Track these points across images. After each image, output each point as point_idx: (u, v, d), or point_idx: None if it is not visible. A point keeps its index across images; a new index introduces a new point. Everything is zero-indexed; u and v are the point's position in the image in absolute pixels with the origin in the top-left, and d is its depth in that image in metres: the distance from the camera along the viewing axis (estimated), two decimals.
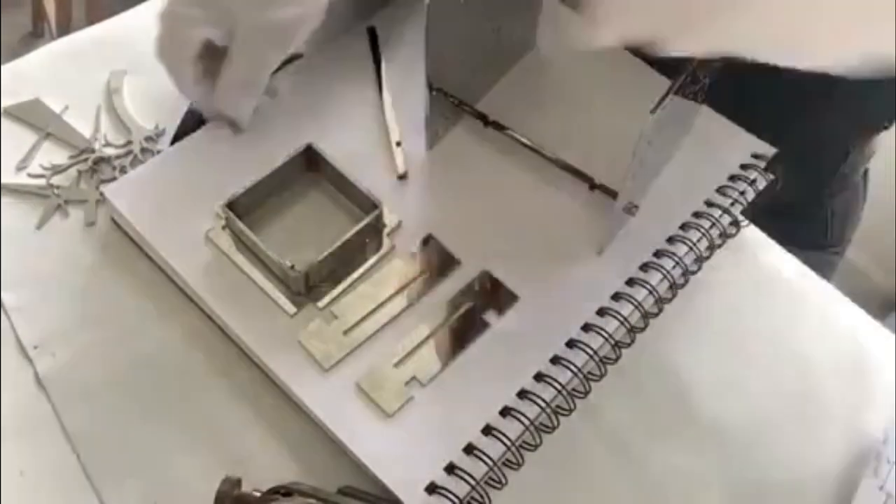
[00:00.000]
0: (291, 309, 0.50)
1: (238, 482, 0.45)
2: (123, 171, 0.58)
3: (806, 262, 0.59)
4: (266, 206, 0.53)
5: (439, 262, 0.53)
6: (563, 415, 0.49)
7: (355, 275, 0.52)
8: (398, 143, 0.56)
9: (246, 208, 0.52)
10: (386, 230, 0.54)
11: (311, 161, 0.54)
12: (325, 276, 0.51)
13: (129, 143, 0.59)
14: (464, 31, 0.52)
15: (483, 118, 0.56)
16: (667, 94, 0.44)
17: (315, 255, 0.49)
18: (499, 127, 0.56)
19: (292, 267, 0.49)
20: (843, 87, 0.43)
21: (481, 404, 0.48)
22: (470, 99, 0.57)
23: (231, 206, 0.50)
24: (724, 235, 0.56)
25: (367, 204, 0.51)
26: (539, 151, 0.55)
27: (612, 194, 0.52)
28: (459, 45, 0.52)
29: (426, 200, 0.56)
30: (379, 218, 0.51)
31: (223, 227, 0.52)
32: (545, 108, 0.59)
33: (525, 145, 0.56)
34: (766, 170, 0.58)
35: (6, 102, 0.60)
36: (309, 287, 0.50)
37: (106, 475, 0.48)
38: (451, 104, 0.55)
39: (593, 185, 0.54)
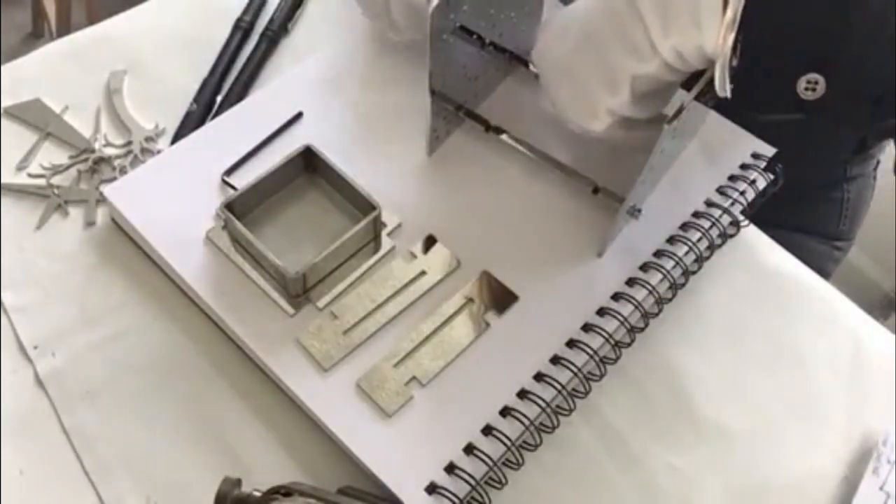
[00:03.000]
0: (291, 309, 0.50)
1: (238, 482, 0.44)
2: (123, 171, 0.58)
3: (811, 256, 0.59)
4: (265, 206, 0.53)
5: (439, 262, 0.53)
6: (563, 415, 0.49)
7: (355, 275, 0.52)
8: None
9: (245, 209, 0.52)
10: (385, 230, 0.54)
11: (309, 162, 0.54)
12: (324, 277, 0.51)
13: (129, 143, 0.59)
14: (466, 36, 0.52)
15: (485, 123, 0.56)
16: (684, 106, 0.44)
17: (313, 255, 0.49)
18: (500, 131, 0.56)
19: (291, 270, 0.48)
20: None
21: (481, 404, 0.48)
22: (471, 103, 0.57)
23: (229, 206, 0.50)
24: (724, 235, 0.56)
25: (366, 205, 0.51)
26: (540, 155, 0.55)
27: (616, 198, 0.52)
28: (462, 51, 0.52)
29: (426, 201, 0.56)
30: (378, 219, 0.51)
31: (223, 228, 0.52)
32: (546, 112, 0.59)
33: (525, 149, 0.56)
34: (765, 170, 0.58)
35: (6, 102, 0.60)
36: (307, 288, 0.50)
37: (106, 475, 0.48)
38: (452, 109, 0.55)
39: (596, 189, 0.54)
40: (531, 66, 0.55)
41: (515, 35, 0.57)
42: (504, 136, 0.56)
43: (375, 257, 0.53)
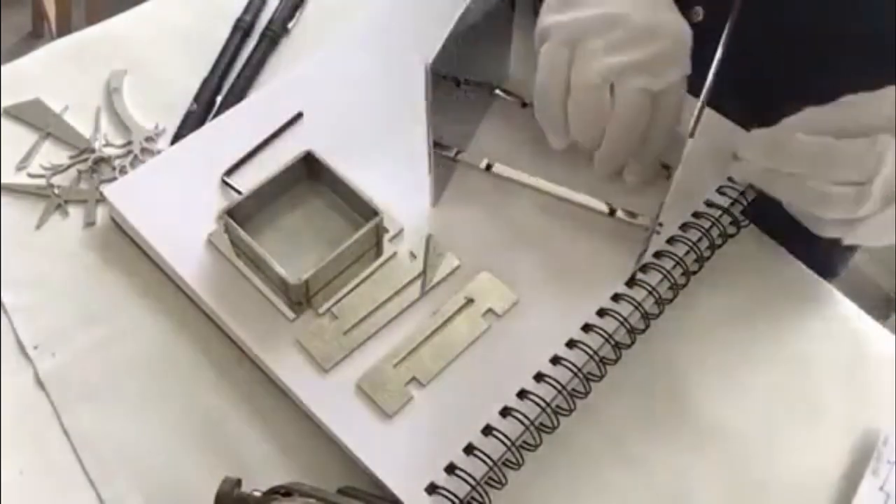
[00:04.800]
0: (291, 313, 0.50)
1: (238, 482, 0.45)
2: (123, 171, 0.58)
3: (812, 266, 0.59)
4: (266, 212, 0.53)
5: (439, 263, 0.53)
6: (563, 415, 0.49)
7: (356, 280, 0.52)
8: None
9: (246, 214, 0.51)
10: (387, 236, 0.53)
11: (311, 168, 0.53)
12: (326, 284, 0.51)
13: (129, 143, 0.59)
14: (458, 87, 0.52)
15: (484, 164, 0.56)
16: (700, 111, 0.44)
17: (315, 262, 0.49)
18: (496, 167, 0.56)
19: (293, 277, 0.48)
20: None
21: (481, 404, 0.48)
22: (463, 144, 0.57)
23: (231, 212, 0.50)
24: (724, 235, 0.56)
25: (368, 211, 0.51)
26: (541, 186, 0.55)
27: (634, 220, 0.53)
28: (452, 96, 0.51)
29: (428, 205, 0.55)
30: (380, 225, 0.51)
31: (224, 232, 0.52)
32: (534, 139, 0.59)
33: (526, 180, 0.56)
34: None
35: (6, 102, 0.60)
36: (309, 295, 0.50)
37: (106, 475, 0.48)
38: (451, 156, 0.55)
39: (612, 211, 0.54)
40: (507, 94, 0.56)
41: (491, 65, 0.57)
42: (506, 172, 0.56)
43: (377, 263, 0.53)
